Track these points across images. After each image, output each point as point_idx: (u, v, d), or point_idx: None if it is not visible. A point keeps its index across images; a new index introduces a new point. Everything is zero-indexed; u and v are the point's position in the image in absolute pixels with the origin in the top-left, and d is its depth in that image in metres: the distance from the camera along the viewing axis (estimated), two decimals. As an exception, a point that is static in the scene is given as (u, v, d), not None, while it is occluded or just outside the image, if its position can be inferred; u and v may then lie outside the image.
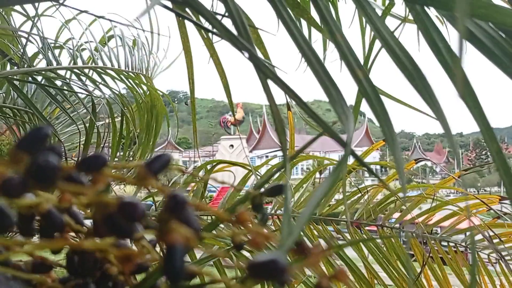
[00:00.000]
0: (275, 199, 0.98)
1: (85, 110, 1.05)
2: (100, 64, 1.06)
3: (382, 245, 0.97)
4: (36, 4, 0.79)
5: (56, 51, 1.03)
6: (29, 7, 0.95)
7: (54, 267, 0.19)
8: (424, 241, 1.05)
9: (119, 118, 1.09)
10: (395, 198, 1.02)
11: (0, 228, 0.14)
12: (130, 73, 1.12)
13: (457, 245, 1.09)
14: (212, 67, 0.54)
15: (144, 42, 1.25)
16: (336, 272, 0.14)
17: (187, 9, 0.41)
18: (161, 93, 1.22)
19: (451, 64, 0.24)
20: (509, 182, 0.22)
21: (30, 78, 0.91)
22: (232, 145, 24.60)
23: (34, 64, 1.03)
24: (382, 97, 0.25)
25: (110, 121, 1.04)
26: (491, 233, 0.97)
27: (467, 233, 1.12)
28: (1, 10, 0.84)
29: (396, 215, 1.09)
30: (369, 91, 0.24)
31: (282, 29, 0.28)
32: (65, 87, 0.98)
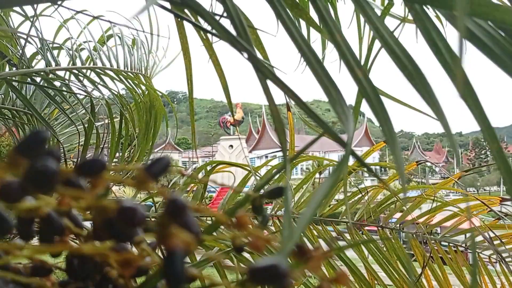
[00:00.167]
0: (276, 200, 0.98)
1: (84, 111, 1.05)
2: (99, 64, 1.06)
3: (382, 246, 0.97)
4: (34, 4, 0.79)
5: (55, 52, 1.02)
6: (27, 7, 0.95)
7: (53, 270, 0.19)
8: (425, 241, 1.05)
9: (118, 118, 1.09)
10: (396, 198, 1.02)
11: (-1, 232, 0.14)
12: (129, 73, 1.12)
13: (458, 246, 1.09)
14: (211, 67, 0.54)
15: (143, 40, 1.25)
16: (337, 275, 0.14)
17: (186, 10, 0.41)
18: (160, 94, 1.22)
19: (451, 63, 0.24)
20: (510, 181, 0.22)
21: (29, 79, 0.90)
22: (231, 146, 24.61)
23: (33, 64, 1.03)
24: (382, 97, 0.25)
25: (109, 122, 1.04)
26: (492, 234, 0.97)
27: (467, 234, 1.12)
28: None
29: (397, 215, 1.09)
30: (368, 91, 0.24)
31: (282, 29, 0.28)
32: (64, 88, 0.98)
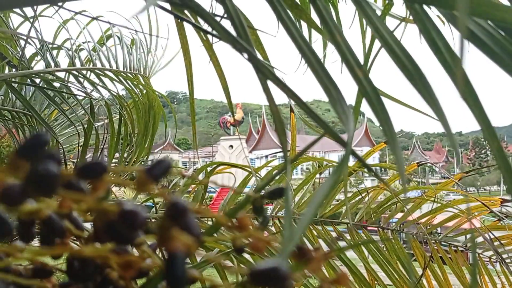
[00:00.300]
0: (276, 201, 0.98)
1: (83, 112, 1.05)
2: (99, 65, 1.06)
3: (382, 246, 0.97)
4: (34, 6, 0.79)
5: (54, 52, 1.02)
6: (26, 8, 0.95)
7: (54, 272, 0.19)
8: (425, 241, 1.05)
9: (118, 117, 1.09)
10: (396, 199, 1.02)
11: (-1, 234, 0.14)
12: (128, 74, 1.12)
13: (458, 246, 1.09)
14: (211, 67, 0.54)
15: (142, 40, 1.25)
16: (338, 276, 0.14)
17: (186, 11, 0.41)
18: (159, 95, 1.22)
19: (451, 63, 0.24)
20: (510, 180, 0.22)
21: (28, 81, 0.90)
22: (231, 146, 24.61)
23: (32, 65, 1.03)
24: (382, 97, 0.25)
25: (108, 122, 1.04)
26: (492, 236, 0.97)
27: (468, 235, 1.12)
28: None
29: (398, 216, 1.09)
30: (369, 90, 0.24)
31: (282, 30, 0.28)
32: (63, 89, 0.98)
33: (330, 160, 0.99)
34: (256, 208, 0.19)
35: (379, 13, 0.45)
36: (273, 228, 0.99)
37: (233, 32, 0.26)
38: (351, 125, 0.21)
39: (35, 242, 0.17)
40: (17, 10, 0.92)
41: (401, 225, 1.08)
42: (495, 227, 1.01)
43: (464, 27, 0.15)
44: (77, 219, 0.16)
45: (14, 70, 0.89)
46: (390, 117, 0.24)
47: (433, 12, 0.27)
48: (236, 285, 0.15)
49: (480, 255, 1.06)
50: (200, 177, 0.99)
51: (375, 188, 1.03)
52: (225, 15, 0.27)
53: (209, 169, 0.93)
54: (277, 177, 0.86)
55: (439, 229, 1.16)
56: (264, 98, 0.25)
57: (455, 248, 1.08)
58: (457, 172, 1.09)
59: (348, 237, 1.03)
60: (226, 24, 0.27)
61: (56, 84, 0.99)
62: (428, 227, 1.07)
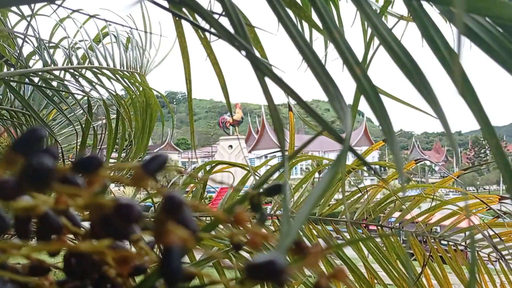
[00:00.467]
0: (275, 199, 0.98)
1: (82, 111, 1.05)
2: (96, 63, 1.06)
3: (382, 245, 0.97)
4: (32, 4, 0.79)
5: (51, 51, 1.02)
6: (23, 6, 0.95)
7: (51, 269, 0.19)
8: (424, 240, 1.05)
9: (115, 116, 1.09)
10: (395, 197, 1.02)
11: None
12: (125, 72, 1.12)
13: (457, 244, 1.09)
14: (210, 67, 0.54)
15: (138, 38, 1.25)
16: (335, 271, 0.14)
17: (183, 9, 0.41)
18: (158, 94, 1.22)
19: (449, 60, 0.24)
20: (509, 177, 0.22)
21: (26, 80, 0.90)
22: (231, 146, 24.62)
23: (30, 64, 1.03)
24: (381, 95, 0.25)
25: (106, 121, 1.04)
26: (491, 232, 0.97)
27: (467, 233, 1.12)
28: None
29: (396, 214, 1.09)
30: (367, 88, 0.24)
31: (282, 28, 0.28)
32: (61, 88, 0.98)
33: (329, 158, 0.99)
34: (253, 205, 0.19)
35: (377, 10, 0.45)
36: (272, 227, 0.99)
37: (231, 30, 0.26)
38: (348, 121, 0.21)
39: (33, 241, 0.17)
40: (14, 8, 0.92)
41: (400, 223, 1.09)
42: (493, 224, 1.01)
43: (461, 22, 0.15)
44: (74, 215, 0.16)
45: (12, 69, 0.89)
46: (388, 114, 0.24)
47: (435, 10, 0.27)
48: (235, 282, 0.15)
49: (480, 252, 1.06)
50: (199, 176, 0.99)
51: (374, 186, 1.03)
52: (223, 13, 0.27)
53: (208, 168, 0.93)
54: (276, 176, 0.86)
55: (438, 228, 1.16)
56: (264, 98, 0.25)
57: (455, 248, 1.08)
58: (457, 171, 1.09)
59: (348, 236, 1.03)
60: (225, 22, 0.27)
61: (54, 83, 0.99)
62: (426, 225, 1.07)
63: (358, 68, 0.23)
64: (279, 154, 0.25)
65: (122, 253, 0.15)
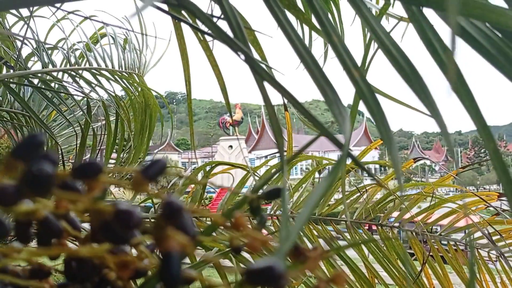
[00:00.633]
0: (275, 200, 0.98)
1: (81, 112, 1.05)
2: (94, 64, 1.06)
3: (382, 244, 0.97)
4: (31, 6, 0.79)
5: (49, 52, 1.02)
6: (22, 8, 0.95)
7: (51, 273, 0.19)
8: (424, 239, 1.05)
9: (115, 117, 1.09)
10: (394, 197, 1.02)
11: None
12: (124, 73, 1.12)
13: (457, 243, 1.09)
14: (210, 67, 0.54)
15: (135, 39, 1.25)
16: (334, 276, 0.14)
17: (183, 12, 0.41)
18: (157, 94, 1.22)
19: (447, 63, 0.24)
20: (506, 181, 0.22)
21: (26, 81, 0.90)
22: (231, 146, 24.61)
23: (29, 65, 1.03)
24: (379, 96, 0.25)
25: (105, 122, 1.04)
26: (491, 230, 0.97)
27: (467, 231, 1.12)
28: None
29: (396, 213, 1.09)
30: (365, 91, 0.24)
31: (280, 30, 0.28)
32: (61, 90, 0.98)
33: (328, 158, 0.99)
34: (253, 208, 0.20)
35: (376, 13, 0.45)
36: (272, 228, 1.00)
37: (230, 33, 0.26)
38: (347, 126, 0.21)
39: (33, 244, 0.17)
40: (13, 10, 0.92)
41: (400, 222, 1.09)
42: (493, 221, 1.01)
43: (455, 23, 0.16)
44: (74, 219, 0.16)
45: (11, 70, 0.89)
46: (386, 117, 0.24)
47: (434, 12, 0.27)
48: (235, 285, 0.15)
49: (480, 251, 1.06)
50: (199, 177, 0.99)
51: (373, 185, 1.03)
52: (222, 16, 0.27)
53: (207, 168, 0.93)
54: (275, 176, 0.86)
55: (438, 227, 1.16)
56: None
57: (455, 247, 1.08)
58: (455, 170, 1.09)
59: (348, 236, 1.03)
60: (224, 25, 0.28)
61: (54, 85, 0.99)
62: (426, 224, 1.07)
63: (356, 72, 0.24)
64: (279, 155, 0.25)
65: (122, 257, 0.15)
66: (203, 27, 0.40)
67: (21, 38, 0.86)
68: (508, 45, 0.23)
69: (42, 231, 0.16)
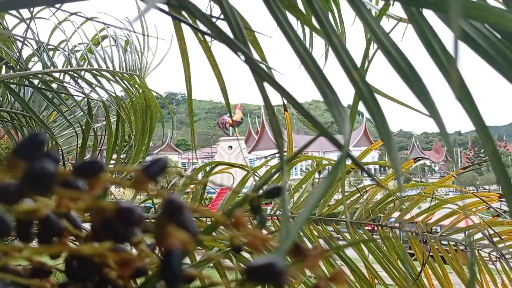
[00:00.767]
0: (275, 200, 0.98)
1: (82, 113, 1.05)
2: (95, 65, 1.07)
3: (382, 244, 0.97)
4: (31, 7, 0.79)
5: (50, 53, 1.02)
6: (22, 9, 0.95)
7: (53, 272, 0.19)
8: (424, 240, 1.05)
9: (115, 118, 1.09)
10: (394, 197, 1.02)
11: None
12: (125, 74, 1.12)
13: (457, 244, 1.09)
14: (210, 68, 0.54)
15: (136, 41, 1.25)
16: (334, 274, 0.14)
17: (183, 12, 0.41)
18: (157, 95, 1.22)
19: (446, 65, 0.24)
20: (504, 182, 0.23)
21: (26, 82, 0.90)
22: (231, 146, 24.61)
23: (29, 66, 1.03)
24: (379, 97, 0.26)
25: (106, 123, 1.04)
26: (491, 232, 0.97)
27: (467, 232, 1.12)
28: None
29: (396, 214, 1.09)
30: (365, 92, 0.24)
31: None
32: (61, 90, 0.98)
33: (328, 159, 0.99)
34: (253, 207, 0.20)
35: (376, 13, 0.45)
36: (272, 228, 1.00)
37: (230, 33, 0.26)
38: (347, 127, 0.21)
39: (34, 244, 0.18)
40: (14, 11, 0.92)
41: (400, 223, 1.09)
42: (493, 223, 1.01)
43: (458, 28, 0.16)
44: (75, 218, 0.17)
45: (11, 71, 0.89)
46: (386, 118, 0.24)
47: (433, 13, 0.27)
48: (236, 284, 0.15)
49: (480, 251, 1.06)
50: (199, 177, 0.99)
51: (373, 186, 1.03)
52: (223, 17, 0.27)
53: (207, 168, 0.93)
54: (275, 177, 0.86)
55: (438, 228, 1.17)
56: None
57: (455, 247, 1.08)
58: (455, 170, 1.10)
59: (348, 236, 1.03)
60: (225, 25, 0.28)
61: (54, 85, 0.99)
62: (426, 225, 1.07)
63: (356, 73, 0.24)
64: (279, 155, 0.25)
65: (123, 255, 0.15)
66: (203, 28, 0.41)
67: (22, 39, 0.86)
68: (506, 46, 0.23)
69: (43, 230, 0.16)
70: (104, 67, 1.08)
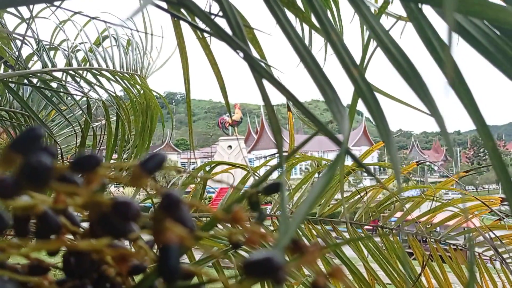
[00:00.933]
0: (275, 200, 0.98)
1: (80, 112, 1.05)
2: (95, 65, 1.06)
3: (381, 245, 0.97)
4: (31, 6, 0.79)
5: (51, 53, 1.02)
6: (23, 9, 0.95)
7: (50, 269, 0.19)
8: (424, 239, 1.05)
9: (115, 118, 1.09)
10: (395, 198, 1.02)
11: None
12: (125, 74, 1.12)
13: (457, 246, 1.09)
14: (209, 67, 0.54)
15: (138, 41, 1.25)
16: (333, 270, 0.14)
17: (182, 10, 0.41)
18: (157, 95, 1.22)
19: (446, 62, 0.24)
20: (505, 179, 0.22)
21: (25, 81, 0.90)
22: (230, 146, 24.60)
23: (29, 65, 1.03)
24: (378, 95, 0.25)
25: (106, 122, 1.04)
26: (493, 235, 0.97)
27: (467, 235, 1.12)
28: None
29: (398, 214, 1.09)
30: (364, 90, 0.24)
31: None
32: (60, 89, 0.98)
33: (328, 159, 0.99)
34: (252, 203, 0.20)
35: (375, 11, 0.45)
36: (272, 228, 1.00)
37: (229, 31, 0.26)
38: (346, 124, 0.21)
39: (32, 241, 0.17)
40: (14, 10, 0.92)
41: (400, 225, 1.09)
42: (495, 226, 1.00)
43: (452, 19, 0.16)
44: (73, 215, 0.16)
45: (10, 70, 0.89)
46: (385, 116, 0.24)
47: (433, 10, 0.27)
48: (235, 281, 0.15)
49: (481, 254, 1.06)
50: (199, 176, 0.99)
51: (374, 187, 1.03)
52: (222, 14, 0.27)
53: (207, 168, 0.93)
54: (276, 176, 0.86)
55: (438, 228, 1.16)
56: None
57: (455, 247, 1.08)
58: (456, 171, 1.10)
59: (347, 236, 1.03)
60: (223, 22, 0.28)
61: (54, 84, 0.99)
62: (427, 227, 1.07)
63: (355, 70, 0.24)
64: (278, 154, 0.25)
65: (121, 251, 0.15)
66: (202, 25, 0.41)
67: (21, 38, 0.86)
68: (506, 42, 0.23)
69: (41, 226, 0.16)
70: (104, 66, 1.08)
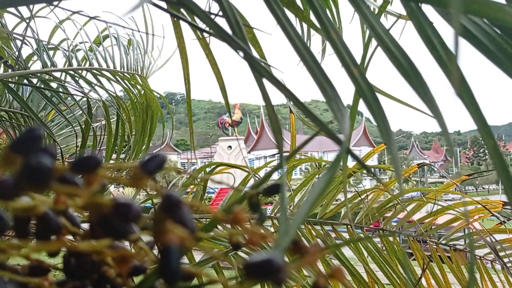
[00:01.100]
0: (275, 201, 0.98)
1: (80, 112, 1.05)
2: (96, 65, 1.06)
3: (382, 247, 0.97)
4: (30, 5, 0.79)
5: (51, 52, 1.02)
6: (23, 8, 0.95)
7: (51, 270, 0.19)
8: (424, 240, 1.05)
9: (115, 118, 1.09)
10: (396, 201, 1.02)
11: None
12: (126, 74, 1.12)
13: (457, 249, 1.09)
14: (209, 67, 0.54)
15: (139, 41, 1.25)
16: (333, 270, 0.14)
17: (182, 10, 0.41)
18: (157, 95, 1.22)
19: (446, 61, 0.24)
20: (505, 178, 0.22)
21: (25, 81, 0.90)
22: (230, 146, 24.60)
23: (29, 65, 1.03)
24: (378, 95, 0.25)
25: (106, 123, 1.04)
26: (494, 238, 0.97)
27: (467, 239, 1.12)
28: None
29: (400, 215, 1.09)
30: (364, 89, 0.24)
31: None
32: (60, 89, 0.98)
33: (329, 161, 0.99)
34: (252, 204, 0.20)
35: (375, 10, 0.45)
36: (272, 229, 0.99)
37: (229, 30, 0.26)
38: (346, 123, 0.21)
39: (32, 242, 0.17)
40: (13, 10, 0.92)
41: (401, 227, 1.08)
42: (496, 230, 1.00)
43: (458, 24, 0.16)
44: (73, 216, 0.16)
45: (10, 70, 0.89)
46: (386, 115, 0.24)
47: (433, 8, 0.27)
48: (235, 282, 0.15)
49: (482, 258, 1.06)
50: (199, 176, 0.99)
51: (375, 189, 1.03)
52: (221, 14, 0.27)
53: (208, 169, 0.93)
54: (277, 177, 0.86)
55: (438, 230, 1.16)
56: (263, 99, 0.25)
57: (454, 248, 1.08)
58: (456, 171, 1.10)
59: (347, 238, 1.03)
60: (223, 22, 0.28)
61: (54, 85, 0.99)
62: (426, 231, 1.07)
63: (355, 69, 0.24)
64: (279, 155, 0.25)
65: (121, 252, 0.15)
66: (202, 25, 0.40)
67: (21, 38, 0.86)
68: (507, 41, 0.23)
69: (41, 227, 0.16)
70: (104, 66, 1.08)
